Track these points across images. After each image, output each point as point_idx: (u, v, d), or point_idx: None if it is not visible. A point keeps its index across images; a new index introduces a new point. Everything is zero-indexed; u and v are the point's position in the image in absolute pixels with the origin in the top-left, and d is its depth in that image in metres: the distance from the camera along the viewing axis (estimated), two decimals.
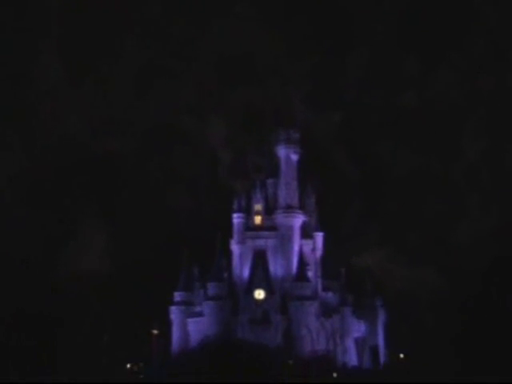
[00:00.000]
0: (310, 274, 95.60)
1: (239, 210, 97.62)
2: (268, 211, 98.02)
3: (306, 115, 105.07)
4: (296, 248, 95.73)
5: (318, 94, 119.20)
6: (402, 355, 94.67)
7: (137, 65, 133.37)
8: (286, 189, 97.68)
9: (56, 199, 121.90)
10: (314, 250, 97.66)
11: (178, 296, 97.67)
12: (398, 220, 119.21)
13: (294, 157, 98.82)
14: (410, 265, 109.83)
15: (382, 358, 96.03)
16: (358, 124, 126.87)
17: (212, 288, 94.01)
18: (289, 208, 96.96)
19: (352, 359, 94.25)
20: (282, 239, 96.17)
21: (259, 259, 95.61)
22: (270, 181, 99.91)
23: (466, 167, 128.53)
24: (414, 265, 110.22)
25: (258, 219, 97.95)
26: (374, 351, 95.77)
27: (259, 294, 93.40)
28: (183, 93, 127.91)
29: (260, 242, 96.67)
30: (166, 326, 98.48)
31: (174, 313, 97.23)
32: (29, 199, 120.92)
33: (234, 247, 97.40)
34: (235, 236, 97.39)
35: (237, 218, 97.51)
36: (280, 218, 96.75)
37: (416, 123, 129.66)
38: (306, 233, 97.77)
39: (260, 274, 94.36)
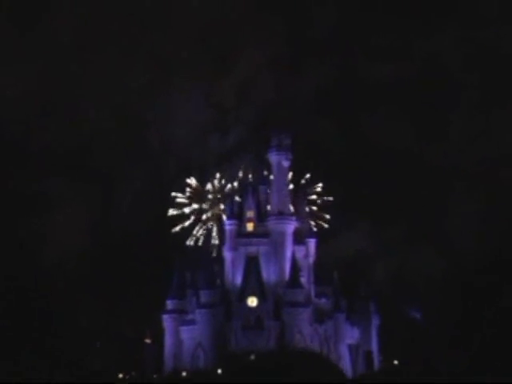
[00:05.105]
0: (303, 279, 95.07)
1: (231, 217, 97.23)
2: (260, 217, 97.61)
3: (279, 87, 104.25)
4: (288, 254, 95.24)
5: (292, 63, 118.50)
6: (396, 361, 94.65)
7: (82, 33, 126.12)
8: (278, 195, 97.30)
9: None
10: (306, 255, 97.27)
11: (170, 304, 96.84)
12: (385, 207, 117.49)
13: (286, 163, 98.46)
14: (400, 251, 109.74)
15: (376, 364, 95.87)
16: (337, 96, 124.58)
17: (204, 295, 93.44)
18: (281, 214, 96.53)
19: (346, 365, 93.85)
20: (275, 245, 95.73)
21: (252, 265, 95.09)
22: (261, 187, 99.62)
23: (451, 146, 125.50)
24: (404, 251, 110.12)
25: (250, 225, 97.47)
26: (368, 357, 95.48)
27: (252, 301, 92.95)
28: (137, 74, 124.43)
29: (252, 249, 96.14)
30: (158, 333, 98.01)
31: (167, 321, 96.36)
32: None
33: (227, 254, 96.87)
34: (227, 242, 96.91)
35: (229, 225, 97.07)
36: (272, 224, 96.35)
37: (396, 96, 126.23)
38: (299, 239, 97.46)
39: (253, 280, 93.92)
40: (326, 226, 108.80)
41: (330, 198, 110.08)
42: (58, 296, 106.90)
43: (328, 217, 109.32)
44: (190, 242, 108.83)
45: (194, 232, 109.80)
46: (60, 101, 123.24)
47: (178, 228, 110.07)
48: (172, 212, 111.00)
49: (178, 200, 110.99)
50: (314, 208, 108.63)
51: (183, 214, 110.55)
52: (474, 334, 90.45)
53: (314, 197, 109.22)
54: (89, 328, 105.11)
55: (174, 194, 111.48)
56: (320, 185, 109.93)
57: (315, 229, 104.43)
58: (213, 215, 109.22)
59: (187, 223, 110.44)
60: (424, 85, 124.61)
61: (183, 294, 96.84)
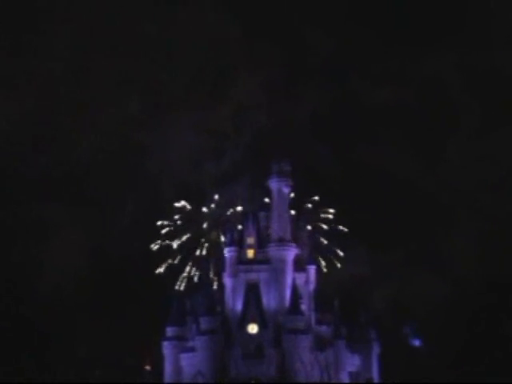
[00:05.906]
0: (304, 306, 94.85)
1: (231, 244, 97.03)
2: (260, 244, 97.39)
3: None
4: (289, 281, 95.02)
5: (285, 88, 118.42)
6: None
7: (78, 59, 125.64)
8: (279, 222, 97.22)
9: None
10: (307, 282, 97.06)
11: (170, 331, 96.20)
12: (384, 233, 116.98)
13: (286, 189, 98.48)
14: (400, 276, 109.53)
15: None
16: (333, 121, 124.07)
17: (204, 322, 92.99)
18: (281, 241, 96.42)
19: None
20: (275, 272, 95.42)
21: (252, 292, 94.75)
22: (262, 213, 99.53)
23: (450, 170, 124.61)
24: (404, 276, 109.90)
25: (250, 252, 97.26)
26: None
27: (252, 328, 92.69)
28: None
29: (253, 276, 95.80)
30: (158, 360, 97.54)
31: (167, 348, 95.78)
32: None
33: (227, 280, 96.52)
34: (227, 269, 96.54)
35: (229, 252, 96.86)
36: (273, 250, 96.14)
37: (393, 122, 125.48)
38: (299, 265, 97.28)
39: (253, 307, 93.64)
40: (338, 265, 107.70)
41: (345, 229, 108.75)
42: (55, 323, 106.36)
43: (341, 254, 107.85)
44: (179, 287, 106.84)
45: (185, 273, 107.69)
46: (57, 126, 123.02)
47: (162, 268, 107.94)
48: (156, 246, 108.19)
49: (165, 230, 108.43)
50: (325, 241, 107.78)
51: (171, 247, 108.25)
52: (478, 359, 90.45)
53: (324, 226, 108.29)
54: (87, 356, 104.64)
55: (160, 222, 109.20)
56: (332, 211, 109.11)
57: (325, 269, 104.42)
58: (210, 245, 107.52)
59: (176, 260, 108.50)
60: (423, 109, 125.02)
61: (183, 321, 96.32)
